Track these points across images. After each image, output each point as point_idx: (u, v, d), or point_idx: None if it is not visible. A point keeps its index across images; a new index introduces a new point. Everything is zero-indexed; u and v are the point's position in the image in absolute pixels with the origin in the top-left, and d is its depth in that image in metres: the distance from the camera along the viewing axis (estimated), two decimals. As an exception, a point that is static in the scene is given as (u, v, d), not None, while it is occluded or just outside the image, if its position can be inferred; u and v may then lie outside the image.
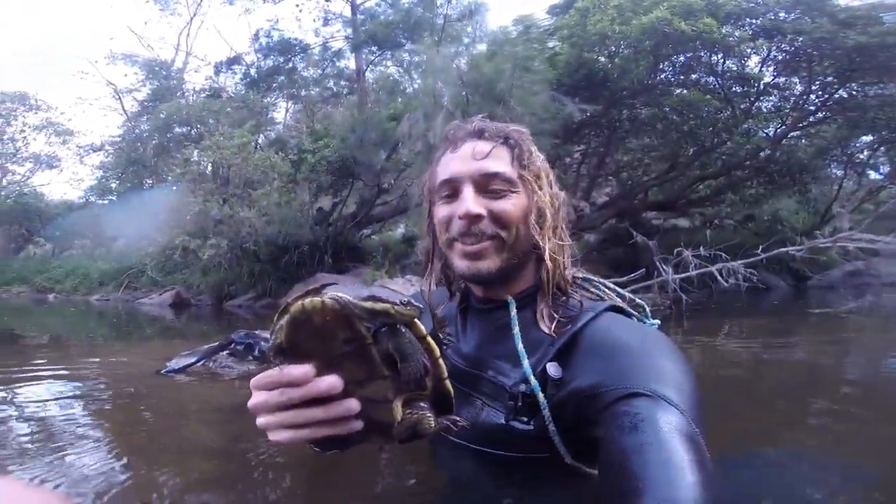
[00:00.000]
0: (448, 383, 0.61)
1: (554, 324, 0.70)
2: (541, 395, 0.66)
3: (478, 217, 0.71)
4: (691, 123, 8.22)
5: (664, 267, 6.84)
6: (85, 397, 1.70)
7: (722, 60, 8.39)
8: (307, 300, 0.49)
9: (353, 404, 0.53)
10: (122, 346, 3.58)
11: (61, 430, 1.22)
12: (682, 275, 6.68)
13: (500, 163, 0.73)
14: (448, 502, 0.79)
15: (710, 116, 8.29)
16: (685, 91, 8.53)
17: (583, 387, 0.63)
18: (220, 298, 8.16)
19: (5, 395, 1.71)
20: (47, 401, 1.61)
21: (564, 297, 0.75)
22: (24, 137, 16.84)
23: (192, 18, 15.61)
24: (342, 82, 11.66)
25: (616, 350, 0.64)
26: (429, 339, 0.57)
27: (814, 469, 1.10)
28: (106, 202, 13.07)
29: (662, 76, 8.66)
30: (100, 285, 10.91)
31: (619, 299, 0.79)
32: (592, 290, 0.81)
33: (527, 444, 0.69)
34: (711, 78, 8.58)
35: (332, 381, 0.51)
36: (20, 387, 1.84)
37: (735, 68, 8.50)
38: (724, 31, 7.63)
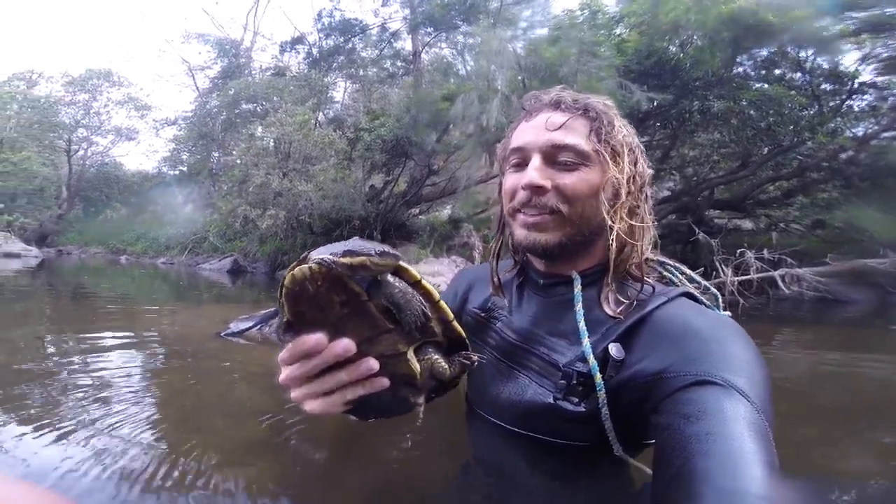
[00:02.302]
0: (456, 325, 0.59)
1: (620, 307, 0.67)
2: (598, 376, 0.63)
3: (540, 189, 0.69)
4: (770, 120, 7.60)
5: (723, 268, 6.46)
6: (144, 355, 1.77)
7: (812, 57, 7.69)
8: (296, 270, 0.49)
9: (371, 363, 0.54)
10: (183, 308, 3.74)
11: (118, 386, 1.25)
12: (742, 277, 6.28)
13: (574, 135, 0.69)
14: (483, 487, 0.75)
15: (793, 113, 7.63)
16: (766, 85, 7.92)
17: (647, 371, 0.59)
18: (274, 267, 8.57)
19: (71, 348, 1.83)
20: (109, 355, 1.70)
21: (635, 280, 0.70)
22: (108, 111, 18.45)
23: (258, -1, 16.31)
24: (398, 63, 11.78)
25: (686, 335, 0.60)
26: (424, 283, 0.55)
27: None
28: (177, 173, 14.09)
29: (741, 69, 8.08)
30: (166, 249, 11.80)
31: (692, 286, 0.74)
32: (666, 274, 0.77)
33: (572, 426, 0.66)
34: (798, 74, 7.89)
35: (344, 344, 0.52)
36: (86, 342, 1.95)
37: (827, 66, 7.76)
38: (818, 24, 6.99)
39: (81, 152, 18.58)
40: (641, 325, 0.64)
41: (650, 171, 0.75)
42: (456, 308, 0.89)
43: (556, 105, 0.72)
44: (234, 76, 12.18)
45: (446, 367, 0.59)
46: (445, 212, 9.62)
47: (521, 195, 0.70)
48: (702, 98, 7.62)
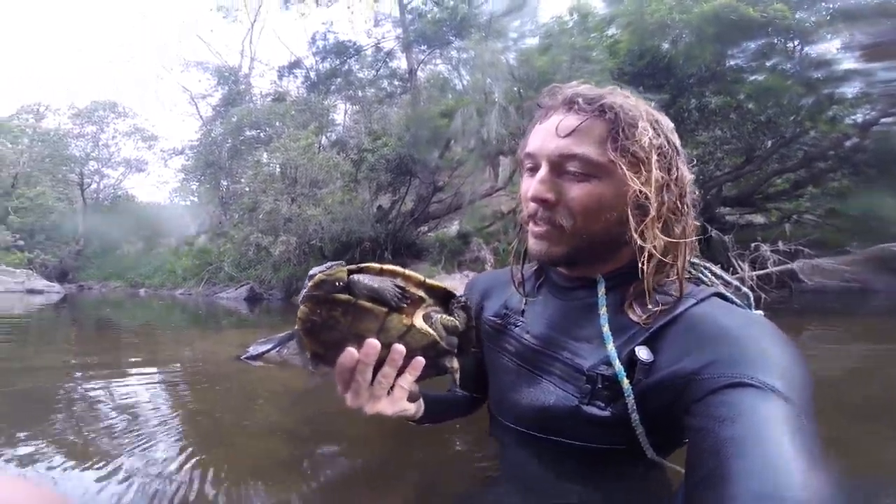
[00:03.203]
0: (432, 281, 0.68)
1: (647, 315, 0.63)
2: (625, 381, 0.60)
3: (544, 202, 0.66)
4: (769, 113, 7.60)
5: (740, 263, 6.44)
6: (167, 380, 1.83)
7: (799, 46, 7.74)
8: (299, 313, 0.62)
9: (399, 346, 0.62)
10: (203, 336, 3.86)
11: (142, 409, 1.29)
12: (760, 272, 6.26)
13: (586, 142, 0.63)
14: (508, 494, 0.75)
15: (792, 104, 7.64)
16: (760, 78, 7.94)
17: (678, 373, 0.57)
18: (290, 293, 8.70)
19: (97, 374, 1.91)
20: (134, 380, 1.76)
21: (665, 294, 0.65)
22: (116, 143, 18.85)
23: (252, 25, 16.55)
24: (395, 82, 11.91)
25: (719, 336, 0.57)
26: (386, 266, 0.65)
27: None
28: (188, 203, 14.36)
29: (733, 63, 8.11)
30: (183, 280, 12.01)
31: (722, 287, 0.70)
32: (695, 273, 0.72)
33: (599, 430, 0.64)
34: (790, 64, 7.92)
35: (369, 343, 0.61)
36: (111, 370, 2.02)
37: (813, 54, 7.80)
38: (798, 16, 7.10)
39: (94, 185, 18.99)
40: (671, 327, 0.61)
41: (690, 176, 0.67)
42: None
43: (570, 105, 0.65)
44: (236, 103, 12.39)
45: (451, 318, 0.68)
46: (453, 228, 9.71)
47: (531, 206, 0.68)
48: (698, 95, 7.63)
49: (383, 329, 0.63)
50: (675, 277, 0.65)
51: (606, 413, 0.62)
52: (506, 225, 7.84)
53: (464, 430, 0.96)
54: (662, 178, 0.62)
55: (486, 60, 8.10)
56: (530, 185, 0.67)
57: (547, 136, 0.66)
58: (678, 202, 0.64)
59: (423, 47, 10.92)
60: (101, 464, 0.85)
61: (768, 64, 8.01)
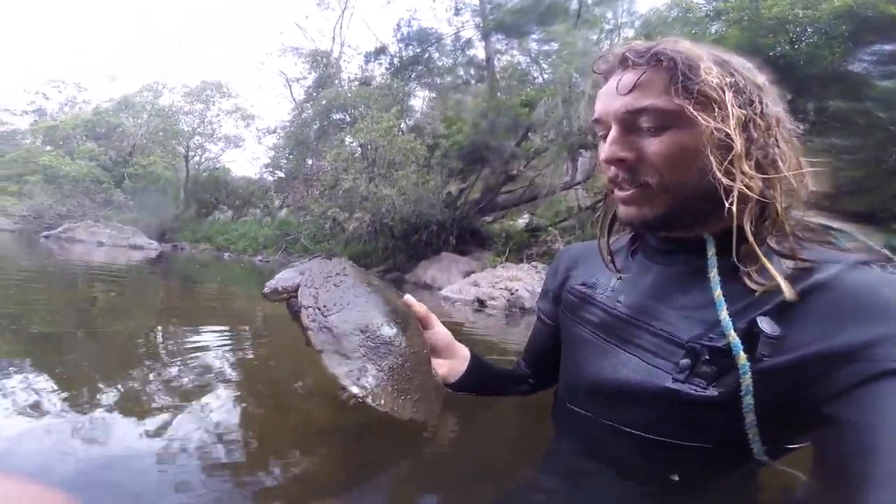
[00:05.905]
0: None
1: (767, 281, 0.53)
2: (742, 355, 0.51)
3: (623, 162, 0.61)
4: (904, 123, 6.62)
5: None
6: (237, 334, 1.88)
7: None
8: None
9: None
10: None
11: (208, 361, 1.30)
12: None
13: (650, 93, 0.58)
14: (569, 490, 0.65)
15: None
16: (888, 83, 6.95)
17: (823, 353, 0.48)
18: (356, 268, 9.09)
19: (175, 324, 2.03)
20: (206, 333, 1.83)
21: (790, 244, 0.56)
22: (219, 120, 20.85)
23: (343, 11, 17.34)
24: (472, 71, 11.98)
25: (884, 307, 0.47)
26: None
27: None
28: (275, 178, 15.51)
29: (861, 67, 7.15)
30: (263, 248, 13.03)
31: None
32: (831, 240, 0.60)
33: (694, 417, 0.56)
34: None
35: None
36: (189, 320, 2.16)
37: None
38: None
39: (196, 158, 21.12)
40: (810, 296, 0.52)
41: (777, 109, 0.59)
42: (555, 287, 0.85)
43: (624, 63, 0.62)
44: (326, 86, 13.09)
45: None
46: (521, 220, 9.57)
47: (611, 170, 0.64)
48: (819, 97, 6.81)
49: None
50: (784, 225, 0.55)
51: (709, 394, 0.54)
52: (582, 220, 7.56)
53: (527, 414, 0.89)
54: (744, 114, 0.56)
55: (579, 49, 7.83)
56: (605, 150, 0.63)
57: (609, 97, 0.63)
58: (766, 136, 0.57)
59: (500, 36, 10.86)
60: (156, 414, 0.86)
61: (901, 69, 6.97)
